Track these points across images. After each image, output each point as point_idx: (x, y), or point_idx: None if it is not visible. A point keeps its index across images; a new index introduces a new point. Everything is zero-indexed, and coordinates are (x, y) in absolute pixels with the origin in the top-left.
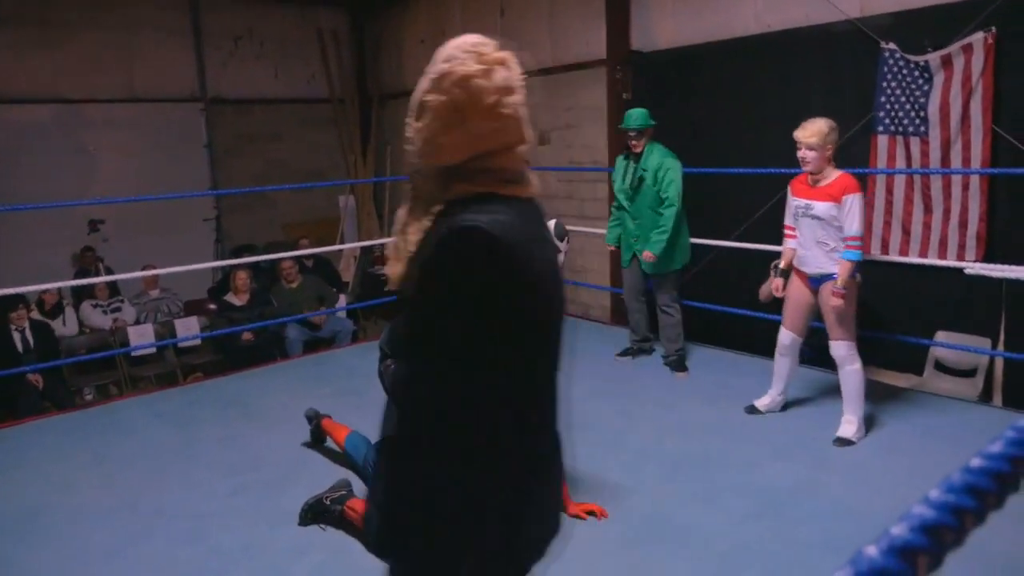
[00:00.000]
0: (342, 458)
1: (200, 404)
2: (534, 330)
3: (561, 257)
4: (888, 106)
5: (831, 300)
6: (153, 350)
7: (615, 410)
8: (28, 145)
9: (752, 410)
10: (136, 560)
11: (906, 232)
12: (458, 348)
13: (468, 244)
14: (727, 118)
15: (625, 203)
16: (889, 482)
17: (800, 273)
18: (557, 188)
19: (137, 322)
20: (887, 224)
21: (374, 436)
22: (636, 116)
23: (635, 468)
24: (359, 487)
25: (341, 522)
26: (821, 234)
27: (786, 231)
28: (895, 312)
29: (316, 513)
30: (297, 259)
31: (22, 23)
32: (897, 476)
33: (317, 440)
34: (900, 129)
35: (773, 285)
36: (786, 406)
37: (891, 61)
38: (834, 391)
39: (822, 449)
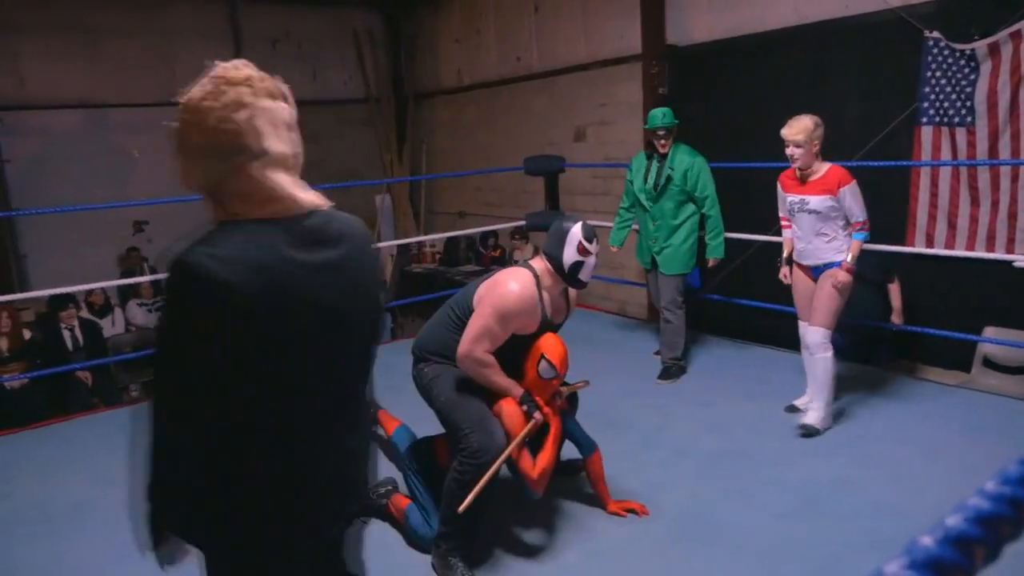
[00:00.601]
0: (381, 454)
1: None
2: (270, 367)
3: (592, 259)
4: (932, 96)
5: (837, 275)
6: None
7: (652, 407)
8: (72, 149)
9: (792, 409)
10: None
11: (952, 226)
12: (179, 390)
13: (174, 280)
14: (764, 112)
15: (647, 203)
16: (932, 480)
17: (801, 266)
18: (592, 184)
19: None
20: (932, 218)
21: (416, 427)
22: (664, 115)
23: (672, 465)
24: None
25: (386, 516)
26: (820, 227)
27: (783, 222)
28: (941, 308)
29: (361, 507)
30: None
31: (63, 31)
32: (941, 474)
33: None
34: (945, 120)
35: (781, 273)
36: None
37: (935, 50)
38: (875, 386)
39: (863, 446)
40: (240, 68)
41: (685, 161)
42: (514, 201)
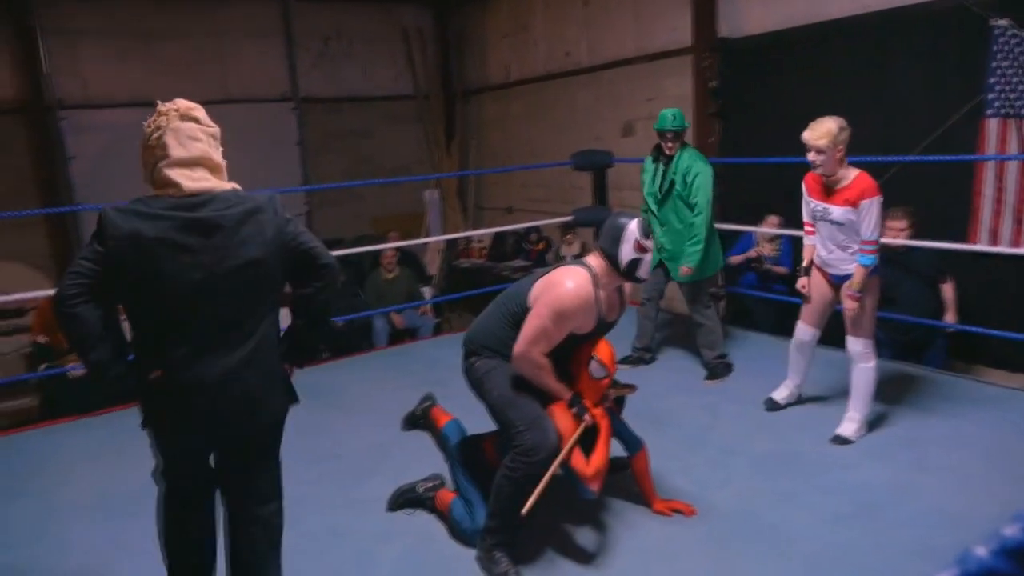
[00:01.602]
0: (425, 448)
1: None
2: (138, 285)
3: (649, 256)
4: (999, 87)
5: (845, 303)
6: None
7: (698, 405)
8: (132, 146)
9: (772, 404)
10: None
11: (1019, 221)
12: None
13: (97, 220)
14: (819, 106)
15: (654, 207)
16: (992, 487)
17: (822, 271)
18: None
19: None
20: (997, 213)
21: (466, 420)
22: (672, 117)
23: (721, 465)
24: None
25: (432, 509)
26: (841, 238)
27: (806, 228)
28: (1006, 307)
29: (408, 500)
30: (396, 250)
31: (122, 33)
32: (1001, 481)
33: (414, 424)
34: (1013, 111)
35: (799, 284)
36: (881, 405)
37: (1003, 38)
38: (930, 388)
39: (920, 450)
40: (170, 103)
41: (688, 166)
42: (561, 196)
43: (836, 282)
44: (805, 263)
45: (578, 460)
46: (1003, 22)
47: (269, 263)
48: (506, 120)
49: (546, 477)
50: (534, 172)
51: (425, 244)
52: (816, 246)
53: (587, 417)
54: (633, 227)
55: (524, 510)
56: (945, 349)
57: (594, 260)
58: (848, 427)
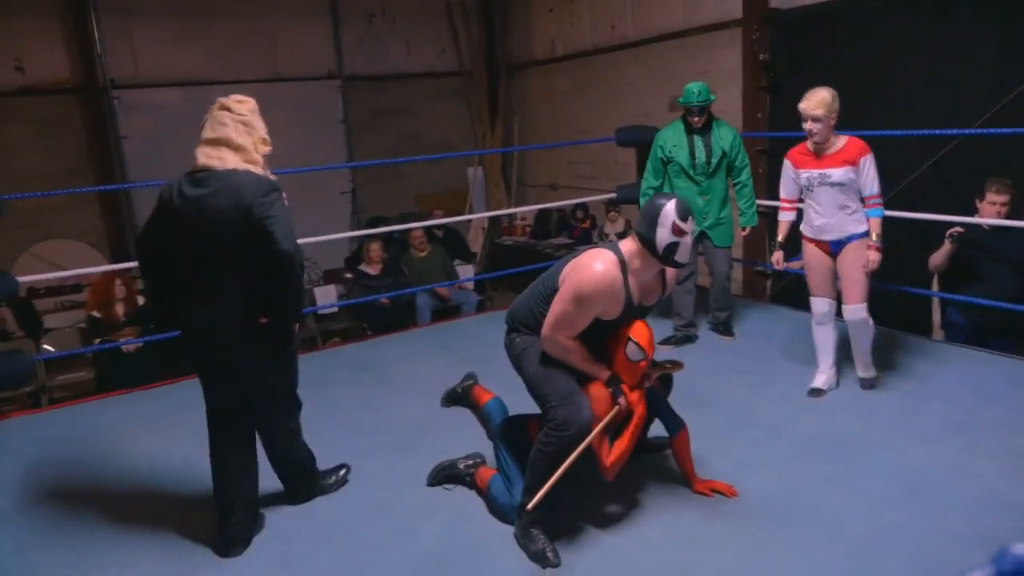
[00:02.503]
0: (467, 425)
1: (336, 368)
2: (169, 243)
3: (688, 239)
4: None
5: (869, 255)
6: None
7: (743, 384)
8: (183, 125)
9: (816, 392)
10: (278, 512)
11: None
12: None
13: None
14: (877, 79)
15: (699, 179)
16: None
17: (817, 242)
18: None
19: None
20: None
21: (506, 398)
22: (699, 91)
23: (764, 446)
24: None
25: (472, 486)
26: (842, 199)
27: (783, 204)
28: None
29: (448, 476)
30: (427, 229)
31: (173, 13)
32: None
33: (455, 400)
34: None
35: (774, 258)
36: (937, 387)
37: None
38: (989, 372)
39: (973, 434)
40: (225, 97)
41: (729, 135)
42: (606, 173)
43: (834, 250)
44: (781, 239)
45: (603, 446)
46: None
47: (230, 236)
48: (551, 96)
49: (571, 458)
50: (579, 149)
51: (469, 221)
52: (809, 217)
53: (621, 400)
54: (670, 209)
55: (530, 506)
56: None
57: (628, 244)
58: (868, 371)
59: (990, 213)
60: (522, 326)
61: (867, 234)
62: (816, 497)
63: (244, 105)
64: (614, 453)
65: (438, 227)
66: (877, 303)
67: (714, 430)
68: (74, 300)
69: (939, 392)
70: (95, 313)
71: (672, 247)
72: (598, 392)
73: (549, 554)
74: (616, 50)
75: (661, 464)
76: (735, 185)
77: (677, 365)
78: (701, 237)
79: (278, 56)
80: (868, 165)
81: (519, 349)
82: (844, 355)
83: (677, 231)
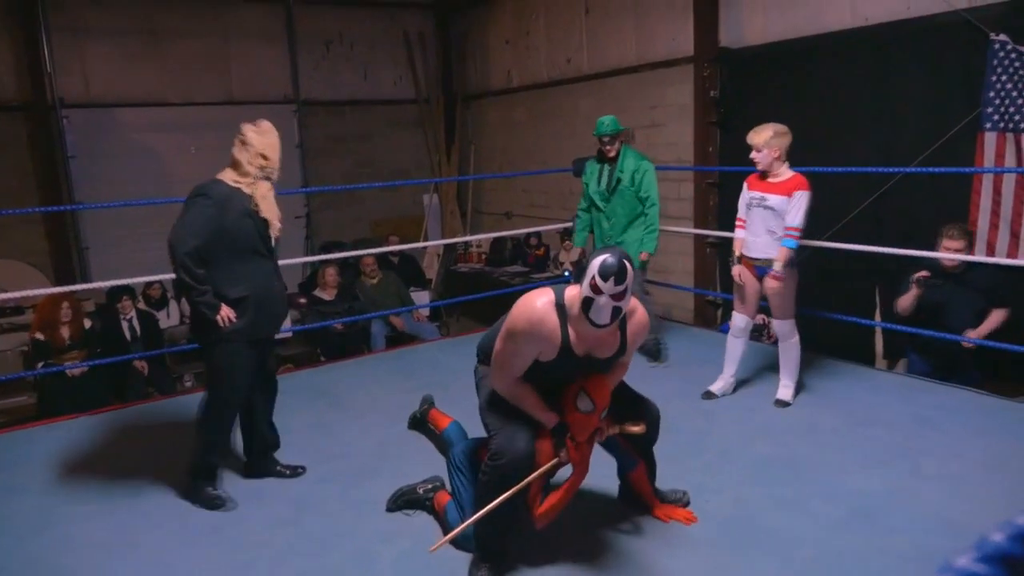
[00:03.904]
0: (425, 450)
1: (291, 393)
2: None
3: (605, 300)
4: (997, 101)
5: (769, 282)
6: None
7: (697, 411)
8: (133, 146)
9: (708, 395)
10: (236, 538)
11: (1015, 235)
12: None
13: None
14: (820, 116)
15: (601, 204)
16: (990, 496)
17: (747, 262)
18: None
19: None
20: (994, 226)
21: (468, 424)
22: (608, 123)
23: (718, 470)
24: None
25: (430, 510)
26: (772, 223)
27: (738, 223)
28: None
29: (408, 501)
30: (380, 255)
31: (127, 33)
32: (999, 491)
33: (417, 425)
34: (1011, 125)
35: (734, 272)
36: (879, 414)
37: (1001, 53)
38: (924, 398)
39: (916, 458)
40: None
41: (632, 164)
42: (561, 203)
43: (760, 274)
44: (737, 254)
45: (535, 493)
46: (1002, 37)
47: None
48: (507, 126)
49: (499, 499)
50: (534, 178)
51: (424, 248)
52: (747, 236)
53: (562, 454)
54: (595, 264)
55: (433, 548)
56: (976, 367)
57: (573, 288)
58: (785, 392)
59: (947, 259)
60: (485, 357)
61: (789, 263)
62: (768, 520)
63: (249, 127)
64: (545, 504)
65: (393, 254)
66: (821, 333)
67: (669, 454)
68: (15, 322)
69: (882, 418)
70: (39, 335)
71: (587, 302)
72: (542, 443)
73: None
74: (571, 83)
75: (616, 492)
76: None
77: (639, 426)
78: None
79: (233, 79)
80: (800, 200)
81: (478, 378)
82: (807, 370)
83: (594, 288)
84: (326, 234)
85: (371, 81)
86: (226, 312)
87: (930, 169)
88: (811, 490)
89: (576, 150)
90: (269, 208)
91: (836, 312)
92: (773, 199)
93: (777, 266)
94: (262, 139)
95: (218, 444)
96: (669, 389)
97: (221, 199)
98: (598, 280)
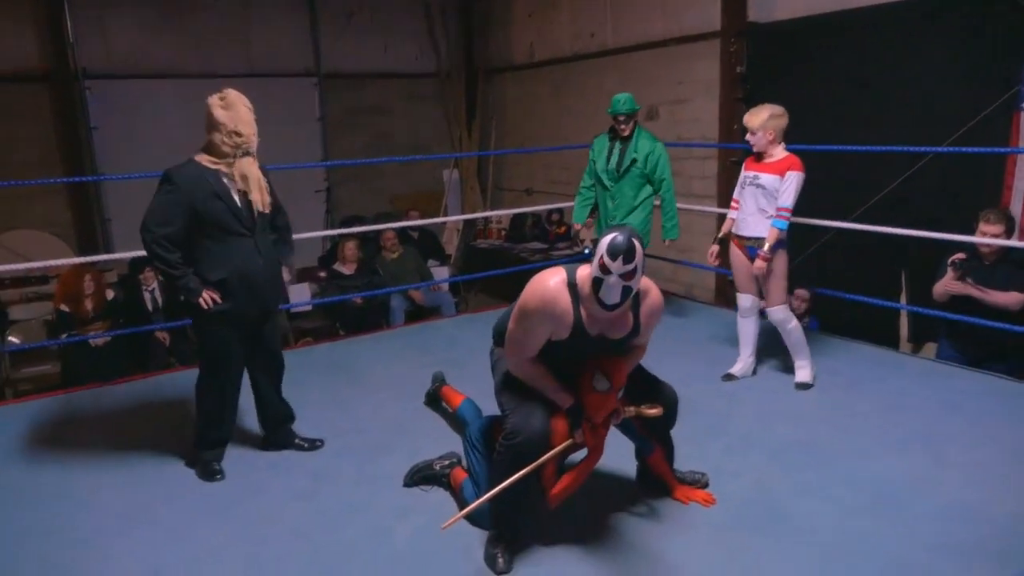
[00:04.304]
0: (440, 427)
1: (309, 367)
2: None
3: (614, 279)
4: None
5: (756, 263)
6: None
7: (718, 392)
8: (155, 118)
9: (729, 377)
10: (253, 511)
11: None
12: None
13: None
14: (848, 94)
15: (608, 183)
16: (1015, 485)
17: (738, 242)
18: None
19: None
20: None
21: (482, 402)
22: (624, 100)
23: (738, 453)
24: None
25: (447, 486)
26: (763, 202)
27: (733, 203)
28: None
29: (424, 477)
30: (400, 230)
31: (152, 4)
32: (1022, 477)
33: (431, 402)
34: None
35: (709, 252)
36: (904, 399)
37: None
38: (950, 384)
39: (941, 445)
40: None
41: (647, 146)
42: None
43: (751, 254)
44: (721, 234)
45: (549, 473)
46: None
47: None
48: (528, 101)
49: (514, 477)
50: (556, 154)
51: (443, 223)
52: (738, 215)
53: (577, 435)
54: (604, 243)
55: (445, 525)
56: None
57: (585, 268)
58: (803, 374)
59: (986, 242)
60: (500, 338)
61: (779, 244)
62: (789, 504)
63: (216, 101)
64: (560, 484)
65: (413, 228)
66: (846, 315)
67: (689, 436)
68: (40, 292)
69: (906, 403)
70: (63, 307)
71: (597, 282)
72: (558, 423)
73: (500, 560)
74: (595, 57)
75: (633, 473)
76: (660, 200)
77: (656, 409)
78: None
79: (253, 51)
80: (792, 180)
81: (494, 359)
82: (817, 351)
83: (603, 268)
84: (347, 208)
85: (391, 54)
86: (208, 295)
87: (962, 149)
88: (832, 475)
89: (599, 126)
90: (254, 184)
91: (860, 295)
92: (765, 178)
93: (765, 245)
94: (230, 114)
95: (214, 418)
96: (690, 370)
97: (185, 183)
98: (607, 259)
